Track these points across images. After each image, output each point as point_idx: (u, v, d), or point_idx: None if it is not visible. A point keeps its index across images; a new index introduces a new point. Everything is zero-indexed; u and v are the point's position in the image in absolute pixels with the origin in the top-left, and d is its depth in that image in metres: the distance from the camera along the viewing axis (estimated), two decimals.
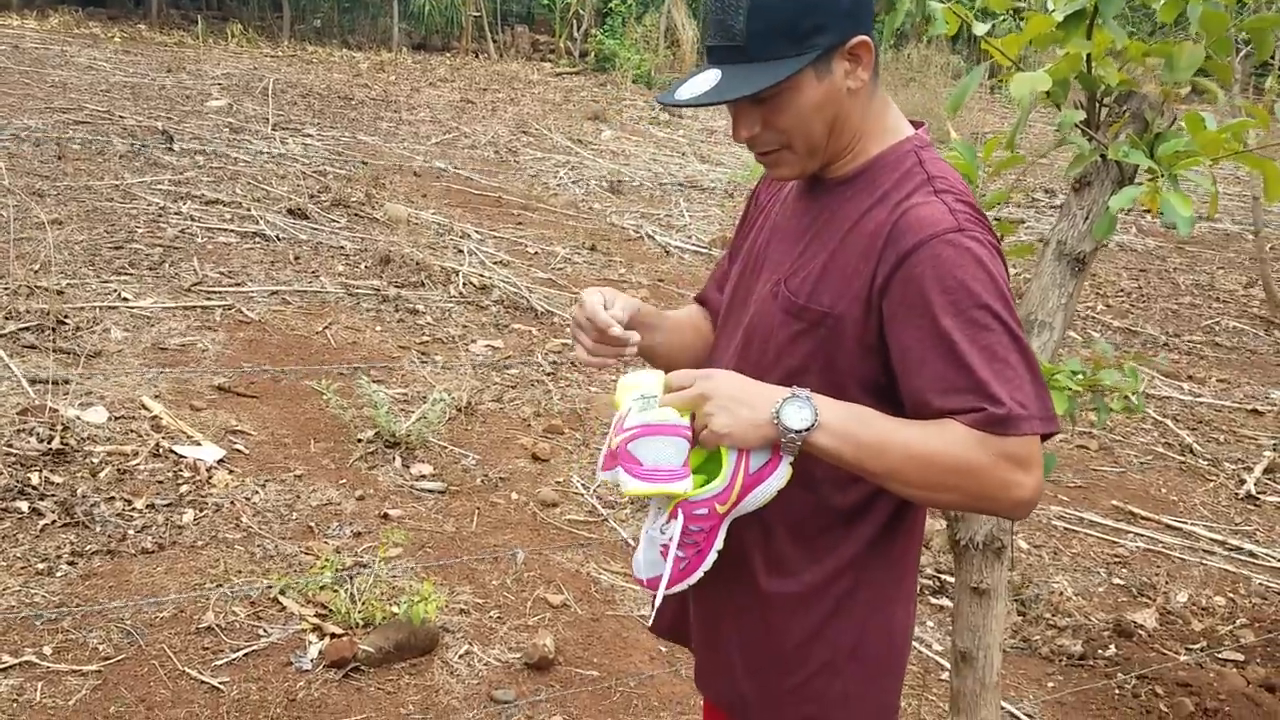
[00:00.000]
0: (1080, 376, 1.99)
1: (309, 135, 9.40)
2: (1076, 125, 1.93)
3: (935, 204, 1.37)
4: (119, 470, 3.79)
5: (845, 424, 1.34)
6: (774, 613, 1.51)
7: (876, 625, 1.53)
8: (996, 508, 1.34)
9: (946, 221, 1.34)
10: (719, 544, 1.43)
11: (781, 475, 1.39)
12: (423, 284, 6.17)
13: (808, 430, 1.32)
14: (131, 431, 4.07)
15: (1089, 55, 1.90)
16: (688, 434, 1.36)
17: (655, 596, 1.46)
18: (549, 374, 5.26)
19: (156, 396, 4.38)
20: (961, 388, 1.31)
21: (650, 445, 1.35)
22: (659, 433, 1.35)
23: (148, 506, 3.62)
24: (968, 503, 1.34)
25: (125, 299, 5.27)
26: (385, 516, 3.80)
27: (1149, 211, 1.89)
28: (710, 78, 1.38)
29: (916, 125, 1.52)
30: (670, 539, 1.40)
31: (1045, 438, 1.35)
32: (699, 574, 1.44)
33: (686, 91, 1.39)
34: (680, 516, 1.39)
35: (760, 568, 1.50)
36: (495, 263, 6.77)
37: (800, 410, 1.33)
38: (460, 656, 3.12)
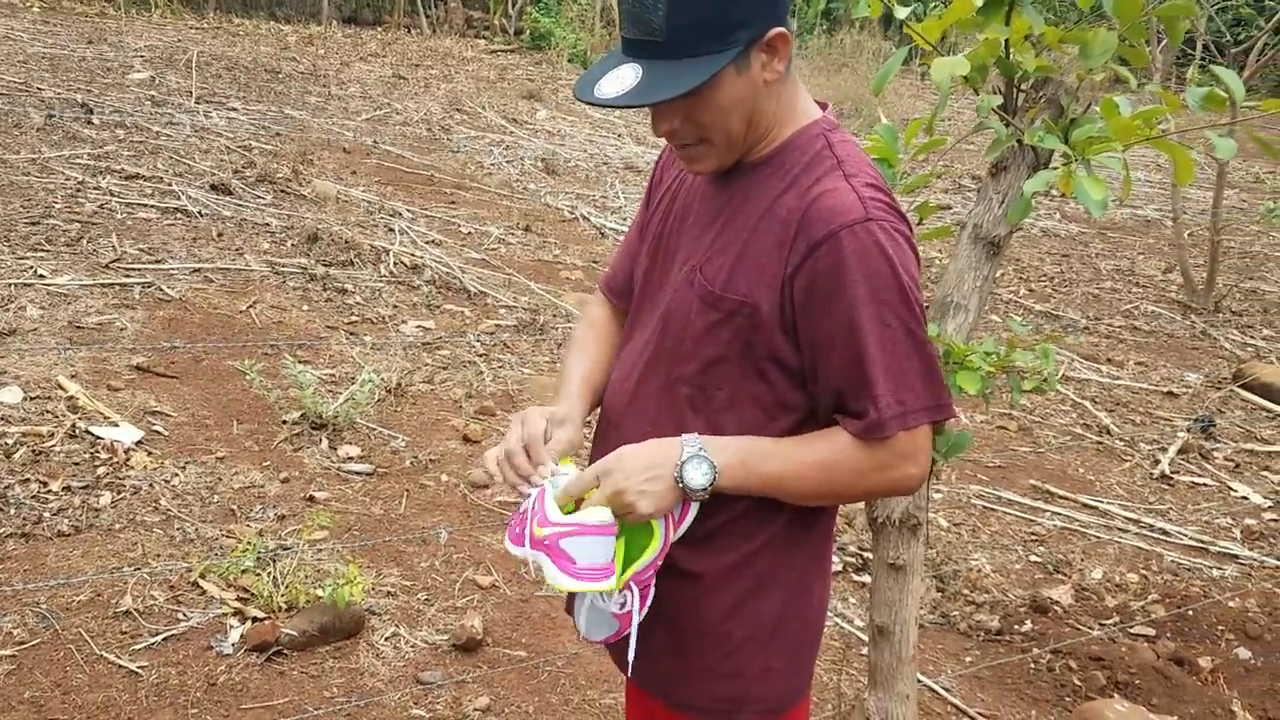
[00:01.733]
0: (993, 357, 2.03)
1: (234, 109, 9.19)
2: (994, 110, 1.96)
3: (844, 191, 1.38)
4: (34, 451, 3.69)
5: (743, 466, 1.42)
6: (696, 592, 1.53)
7: (795, 601, 1.55)
8: (891, 495, 1.51)
9: (855, 211, 1.36)
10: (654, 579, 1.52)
11: (696, 509, 1.49)
12: (352, 263, 6.09)
13: (710, 485, 1.41)
14: (47, 412, 3.96)
15: (1007, 41, 1.93)
16: (614, 529, 1.42)
17: (628, 640, 1.50)
18: (481, 355, 5.23)
19: (73, 376, 4.26)
20: (850, 381, 1.40)
21: (583, 545, 1.40)
22: (593, 533, 1.40)
23: (64, 489, 3.53)
24: (868, 498, 1.53)
25: (41, 276, 5.12)
26: (311, 499, 3.75)
27: (1064, 195, 1.93)
28: (629, 74, 1.35)
29: (822, 106, 1.53)
30: (627, 607, 1.48)
31: (939, 423, 1.45)
32: (646, 608, 1.51)
33: (608, 88, 1.35)
34: (633, 587, 1.47)
35: (683, 548, 1.52)
36: (427, 242, 6.70)
37: (699, 467, 1.40)
38: (386, 639, 3.10)
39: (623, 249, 1.77)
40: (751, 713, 1.56)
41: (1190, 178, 1.96)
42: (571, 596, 1.60)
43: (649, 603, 1.52)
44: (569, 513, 1.43)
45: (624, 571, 1.46)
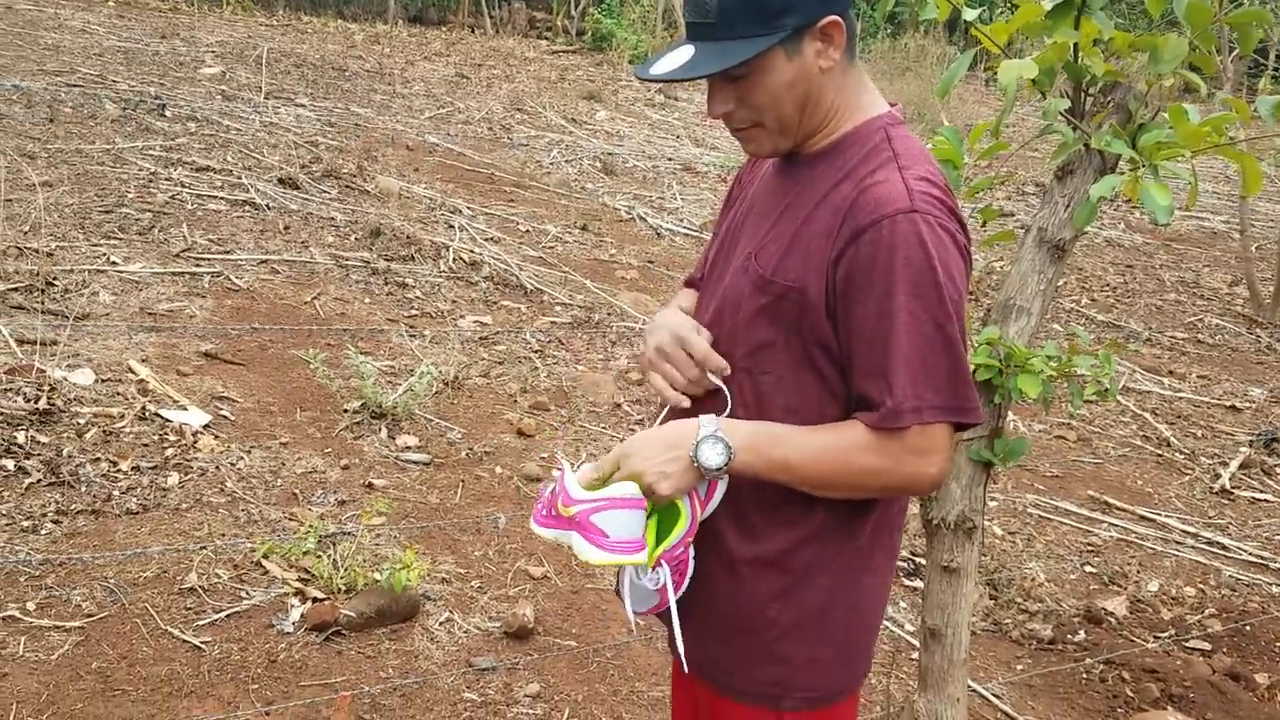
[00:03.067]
0: (1055, 362, 2.03)
1: (302, 105, 9.37)
2: (1061, 114, 1.96)
3: (895, 182, 1.40)
4: (105, 432, 3.81)
5: (756, 449, 1.43)
6: (743, 577, 1.55)
7: (843, 592, 1.56)
8: (904, 493, 1.50)
9: (901, 201, 1.37)
10: (692, 551, 1.54)
11: (724, 488, 1.51)
12: (413, 258, 6.18)
13: (726, 465, 1.43)
14: (118, 394, 4.08)
15: (1076, 45, 1.93)
16: (644, 504, 1.45)
17: (670, 617, 1.54)
18: (536, 351, 5.29)
19: (144, 360, 4.39)
20: (873, 370, 1.40)
21: (616, 518, 1.42)
22: (625, 506, 1.43)
23: (133, 469, 3.64)
24: (880, 494, 1.48)
25: (114, 263, 5.27)
26: (370, 486, 3.83)
27: (1130, 202, 1.92)
28: (684, 54, 1.42)
29: (891, 105, 1.55)
30: (662, 583, 1.50)
31: (962, 427, 1.44)
32: (686, 585, 1.55)
33: (660, 67, 1.42)
34: (664, 565, 1.49)
35: (731, 535, 1.54)
36: (486, 239, 6.78)
37: (714, 449, 1.42)
38: (441, 624, 3.16)
39: (705, 247, 1.81)
40: (796, 700, 1.57)
41: (1258, 188, 1.94)
42: (619, 573, 1.62)
43: (688, 579, 1.54)
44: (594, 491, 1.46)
45: (655, 549, 1.48)
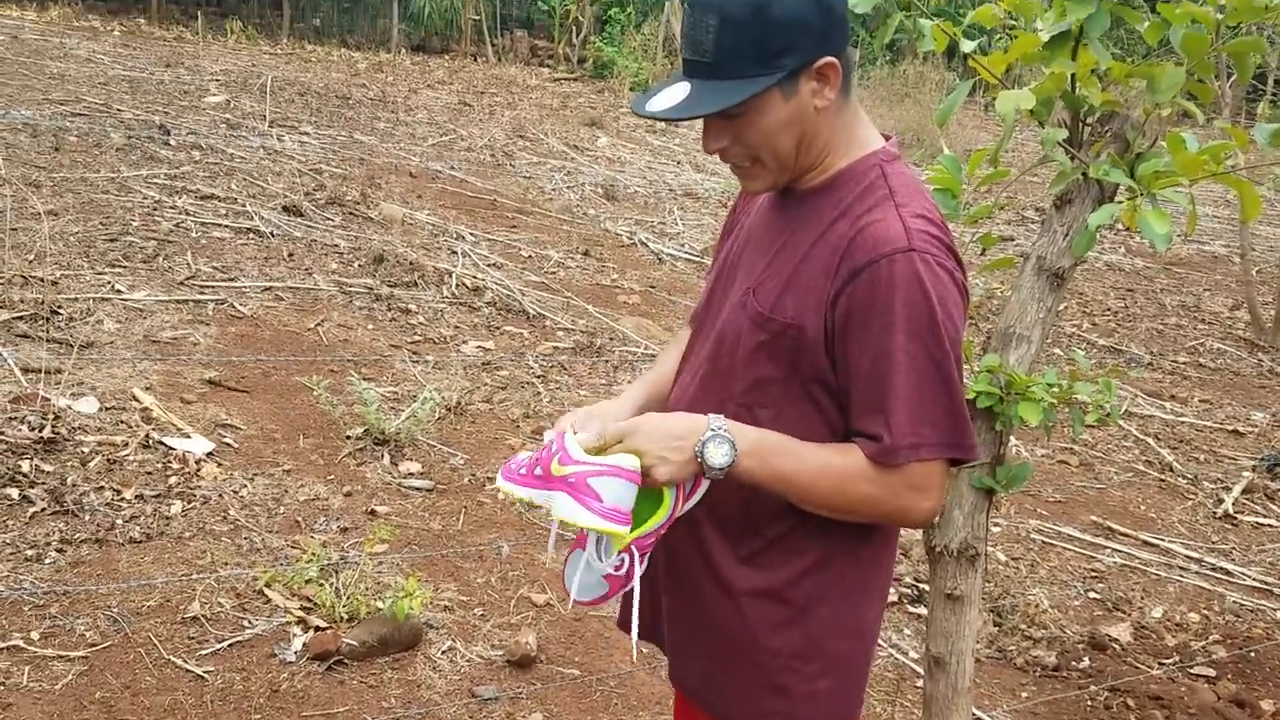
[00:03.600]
0: (1056, 389, 2.04)
1: (306, 133, 9.43)
2: (1060, 143, 1.98)
3: (892, 220, 1.41)
4: (109, 460, 3.82)
5: (760, 455, 1.44)
6: (746, 607, 1.56)
7: (844, 624, 1.57)
8: (897, 524, 1.52)
9: (899, 240, 1.39)
10: (649, 554, 1.54)
11: (705, 489, 1.51)
12: (416, 284, 6.21)
13: (729, 465, 1.43)
14: (122, 422, 4.09)
15: (1073, 75, 1.95)
16: (639, 480, 1.44)
17: (630, 606, 1.55)
18: (539, 376, 5.30)
19: (148, 388, 4.40)
20: (872, 407, 1.41)
21: (613, 486, 1.41)
22: (623, 477, 1.41)
23: (136, 497, 3.64)
24: (871, 521, 1.50)
25: (119, 291, 5.29)
26: (372, 513, 3.83)
27: (1129, 228, 1.93)
28: (680, 90, 1.43)
29: (886, 138, 1.56)
30: (622, 569, 1.49)
31: (959, 463, 1.46)
32: (634, 581, 1.52)
33: (657, 103, 1.43)
34: (634, 551, 1.49)
35: (732, 564, 1.55)
36: (488, 265, 6.81)
37: (720, 447, 1.42)
38: (443, 652, 3.15)
39: (705, 283, 1.83)
40: None
41: (1257, 213, 1.95)
42: (568, 558, 1.59)
43: (642, 570, 1.52)
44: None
45: (633, 531, 1.46)
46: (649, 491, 1.47)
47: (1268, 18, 1.96)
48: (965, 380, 2.05)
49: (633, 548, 1.48)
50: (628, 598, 1.76)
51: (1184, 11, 1.86)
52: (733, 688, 1.59)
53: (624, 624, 1.81)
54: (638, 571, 1.50)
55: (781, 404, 1.49)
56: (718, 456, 1.41)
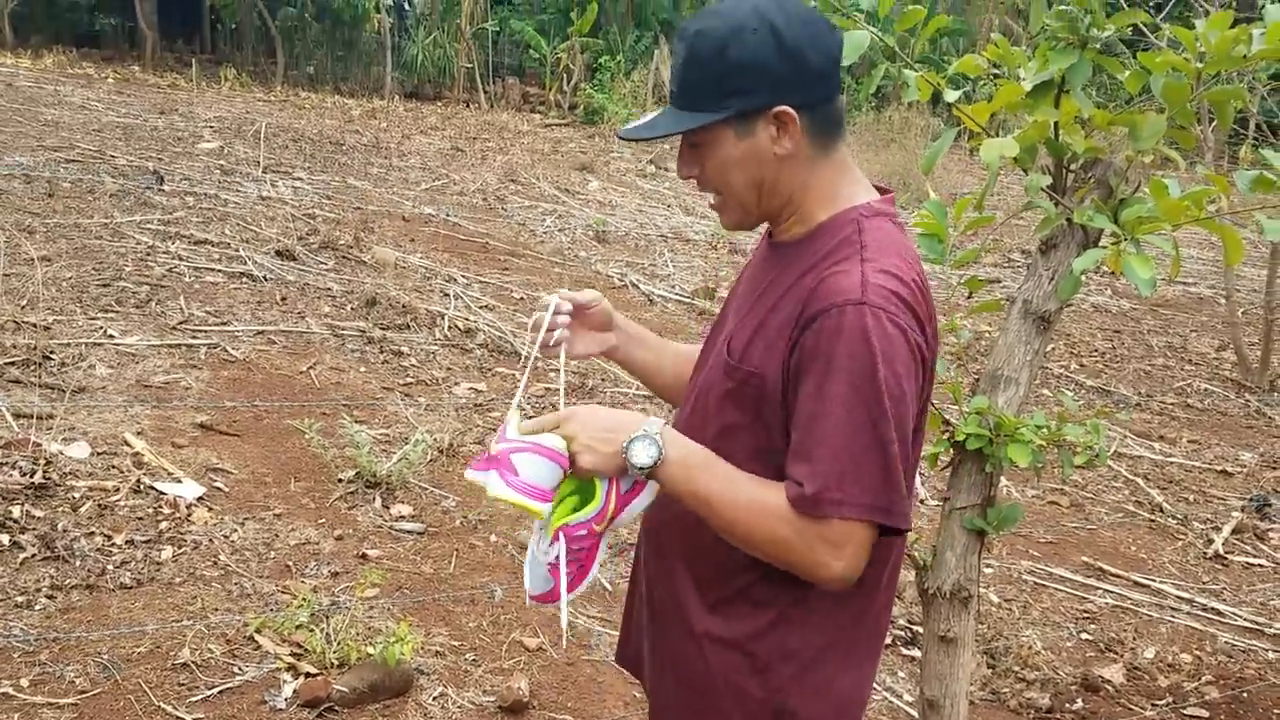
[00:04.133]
0: (1044, 431, 2.06)
1: (299, 179, 9.50)
2: (1044, 189, 2.02)
3: (853, 273, 1.39)
4: (100, 505, 3.81)
5: (686, 467, 1.44)
6: (710, 655, 1.54)
7: (812, 685, 1.52)
8: (805, 576, 1.42)
9: (852, 292, 1.36)
10: (600, 557, 1.56)
11: (650, 493, 1.52)
12: (408, 326, 6.23)
13: (652, 467, 1.43)
14: (113, 467, 4.09)
15: (1056, 122, 1.99)
16: (565, 463, 1.46)
17: (559, 609, 1.53)
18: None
19: (139, 433, 4.40)
20: (802, 453, 1.38)
21: (531, 463, 1.44)
22: (545, 455, 1.44)
23: (127, 542, 3.63)
24: (781, 565, 1.43)
25: (111, 336, 5.30)
26: (363, 557, 3.82)
27: (1113, 273, 1.97)
28: (653, 116, 1.53)
29: (883, 191, 1.56)
30: (556, 559, 1.50)
31: (893, 532, 1.41)
32: (583, 587, 1.55)
33: (632, 125, 1.54)
34: (562, 539, 1.49)
35: (701, 611, 1.54)
36: (480, 307, 6.84)
37: (647, 449, 1.43)
38: (434, 698, 3.13)
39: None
40: None
41: (1240, 258, 1.99)
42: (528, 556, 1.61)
43: (588, 580, 1.55)
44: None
45: (560, 516, 1.48)
46: (586, 484, 1.49)
47: (1245, 66, 2.00)
48: (951, 425, 2.08)
49: (561, 535, 1.48)
50: (623, 627, 1.77)
51: (1164, 60, 1.91)
52: None
53: (620, 659, 1.82)
54: (564, 562, 1.49)
55: (747, 453, 1.48)
56: (641, 456, 1.42)
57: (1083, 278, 2.02)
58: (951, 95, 2.02)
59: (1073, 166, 2.07)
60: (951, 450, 2.14)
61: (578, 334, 1.76)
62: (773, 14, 1.41)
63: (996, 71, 2.22)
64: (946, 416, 2.11)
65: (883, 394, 1.34)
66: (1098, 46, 1.95)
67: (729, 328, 1.58)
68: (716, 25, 1.43)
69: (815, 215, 1.50)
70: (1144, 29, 2.33)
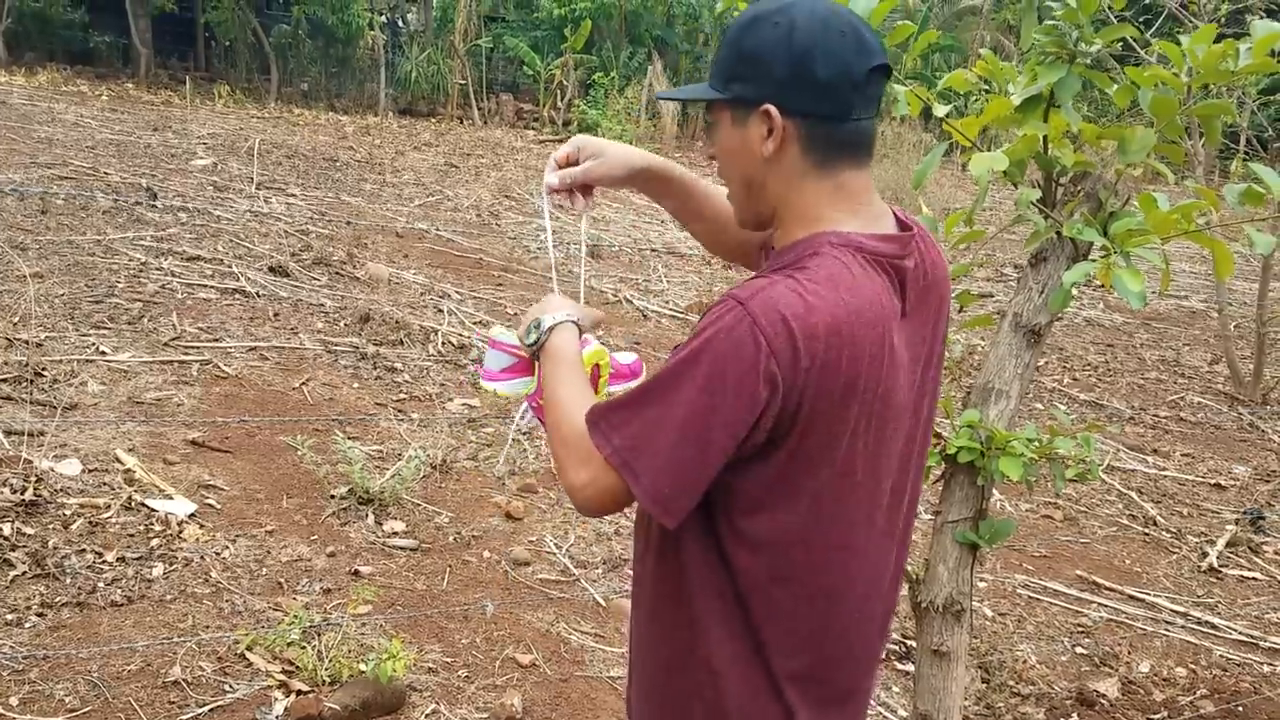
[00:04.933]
0: (1036, 444, 2.06)
1: (293, 195, 9.50)
2: (1034, 203, 2.03)
3: (763, 280, 1.35)
4: (91, 523, 3.79)
5: (551, 362, 1.59)
6: (642, 654, 1.59)
7: (704, 687, 1.48)
8: (560, 477, 1.47)
9: (744, 294, 1.32)
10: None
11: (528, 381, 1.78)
12: (401, 342, 6.22)
13: (534, 348, 1.63)
14: (104, 484, 4.07)
15: (1046, 137, 2.00)
16: (510, 350, 1.74)
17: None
18: (524, 434, 5.30)
19: (130, 450, 4.38)
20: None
21: (490, 355, 1.77)
22: (500, 349, 1.76)
23: (118, 559, 3.61)
24: (554, 464, 1.52)
25: (103, 352, 5.29)
26: (356, 573, 3.80)
27: (1104, 286, 1.97)
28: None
29: (906, 225, 1.49)
30: (524, 417, 1.83)
31: (620, 475, 1.37)
32: (526, 423, 1.86)
33: (668, 91, 1.65)
34: (525, 404, 1.79)
35: (644, 609, 1.57)
36: (475, 323, 6.83)
37: (535, 332, 1.63)
38: (427, 715, 3.12)
39: None
40: None
41: (1230, 271, 2.00)
42: None
43: (520, 421, 1.85)
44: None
45: (526, 389, 1.76)
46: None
47: (1233, 81, 2.02)
48: (943, 439, 2.08)
49: (526, 403, 1.77)
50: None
51: (1152, 75, 1.92)
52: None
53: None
54: (515, 420, 1.86)
55: None
56: (528, 337, 1.64)
57: (1074, 291, 2.03)
58: (941, 110, 2.03)
59: (1062, 180, 2.08)
60: (943, 463, 2.14)
61: (589, 195, 1.81)
62: (803, 14, 1.37)
63: (986, 87, 2.23)
64: (938, 430, 2.11)
65: (699, 379, 1.30)
66: (1086, 61, 1.96)
67: None
68: (752, 9, 1.44)
69: (793, 232, 1.44)
70: (1133, 44, 2.34)
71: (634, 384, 1.78)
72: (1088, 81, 1.98)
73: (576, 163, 1.74)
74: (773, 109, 1.38)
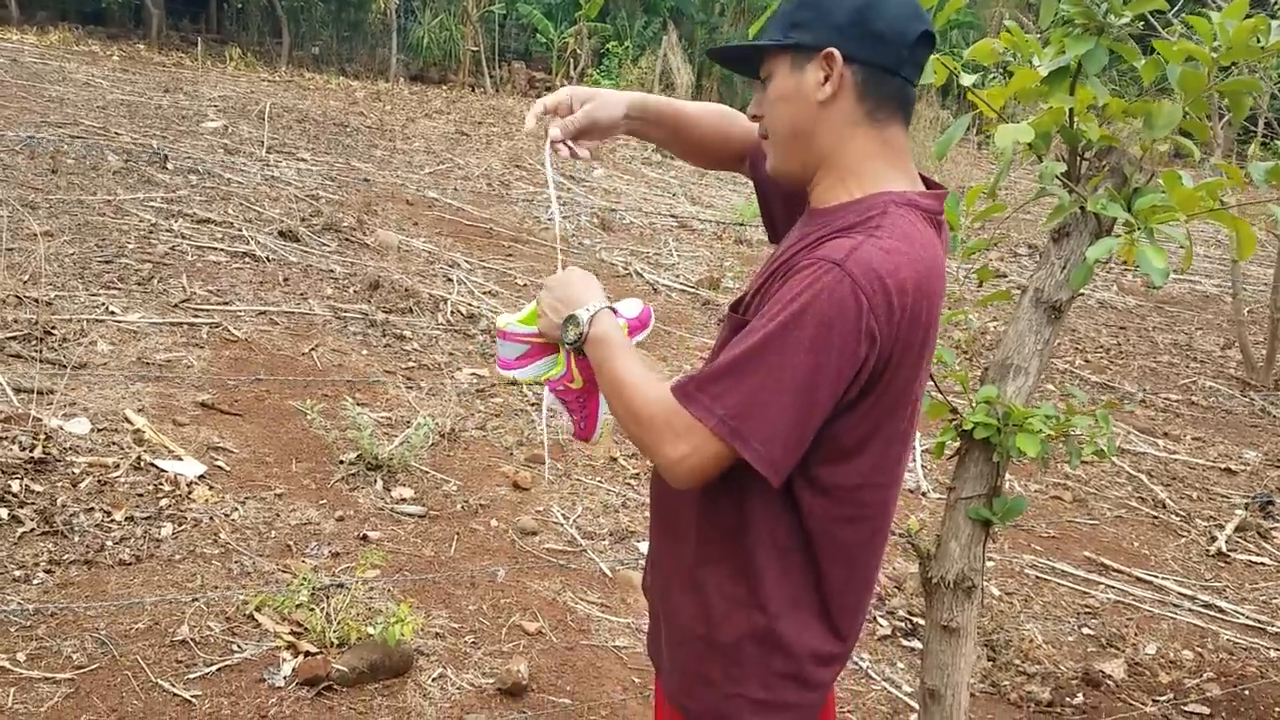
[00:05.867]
0: (1054, 421, 2.04)
1: (303, 159, 9.46)
2: (1057, 177, 2.00)
3: (851, 242, 1.37)
4: (99, 481, 3.80)
5: (602, 348, 1.56)
6: (673, 593, 1.61)
7: (752, 629, 1.52)
8: (647, 454, 1.47)
9: (836, 254, 1.35)
10: (603, 414, 1.76)
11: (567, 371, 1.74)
12: (411, 310, 6.21)
13: (577, 344, 1.60)
14: (113, 444, 4.07)
15: (1071, 110, 1.96)
16: (521, 339, 1.72)
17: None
18: (533, 404, 5.29)
19: (140, 410, 4.38)
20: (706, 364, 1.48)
21: (503, 346, 1.75)
22: (503, 338, 1.74)
23: (127, 519, 3.62)
24: (635, 441, 1.49)
25: (113, 313, 5.29)
26: (364, 538, 3.81)
27: (1125, 264, 1.95)
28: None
29: (933, 185, 1.55)
30: (551, 400, 1.79)
31: (726, 446, 1.38)
32: (597, 433, 1.80)
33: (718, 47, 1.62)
34: (547, 389, 1.77)
35: (685, 559, 1.58)
36: (484, 292, 6.82)
37: (574, 329, 1.59)
38: (434, 680, 3.12)
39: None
40: None
41: (1251, 251, 1.97)
42: None
43: (599, 426, 1.78)
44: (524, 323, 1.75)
45: (546, 373, 1.74)
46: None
47: (1263, 59, 1.98)
48: (959, 414, 2.06)
49: (548, 389, 1.77)
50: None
51: (1181, 49, 1.89)
52: (680, 671, 1.63)
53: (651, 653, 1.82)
54: (545, 404, 1.78)
55: None
56: (567, 334, 1.60)
57: (1095, 267, 2.00)
58: (968, 79, 2.00)
59: (1087, 154, 2.05)
60: (959, 439, 2.13)
61: (589, 141, 1.81)
62: None
63: (1009, 59, 2.20)
64: (954, 405, 2.09)
65: (803, 341, 1.33)
66: (1114, 33, 1.92)
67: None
68: None
69: (847, 187, 1.48)
70: (1154, 24, 2.30)
71: (644, 334, 1.75)
72: (1115, 55, 1.95)
73: (571, 112, 1.76)
74: (836, 52, 1.43)
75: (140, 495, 3.78)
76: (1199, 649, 3.94)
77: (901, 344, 1.39)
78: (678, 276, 8.21)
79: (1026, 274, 9.54)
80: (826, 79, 1.44)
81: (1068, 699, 3.49)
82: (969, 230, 2.20)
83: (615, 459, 4.86)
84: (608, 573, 3.88)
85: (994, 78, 2.27)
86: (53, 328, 4.92)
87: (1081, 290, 2.08)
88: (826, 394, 1.36)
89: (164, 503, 3.75)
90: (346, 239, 7.35)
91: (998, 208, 2.19)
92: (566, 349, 1.67)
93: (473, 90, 17.85)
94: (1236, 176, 1.93)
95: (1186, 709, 3.52)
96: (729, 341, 1.49)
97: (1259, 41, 1.89)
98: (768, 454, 1.37)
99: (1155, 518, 5.13)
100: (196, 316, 5.49)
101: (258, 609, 3.24)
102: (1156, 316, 9.37)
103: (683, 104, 1.88)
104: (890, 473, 1.52)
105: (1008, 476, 2.12)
